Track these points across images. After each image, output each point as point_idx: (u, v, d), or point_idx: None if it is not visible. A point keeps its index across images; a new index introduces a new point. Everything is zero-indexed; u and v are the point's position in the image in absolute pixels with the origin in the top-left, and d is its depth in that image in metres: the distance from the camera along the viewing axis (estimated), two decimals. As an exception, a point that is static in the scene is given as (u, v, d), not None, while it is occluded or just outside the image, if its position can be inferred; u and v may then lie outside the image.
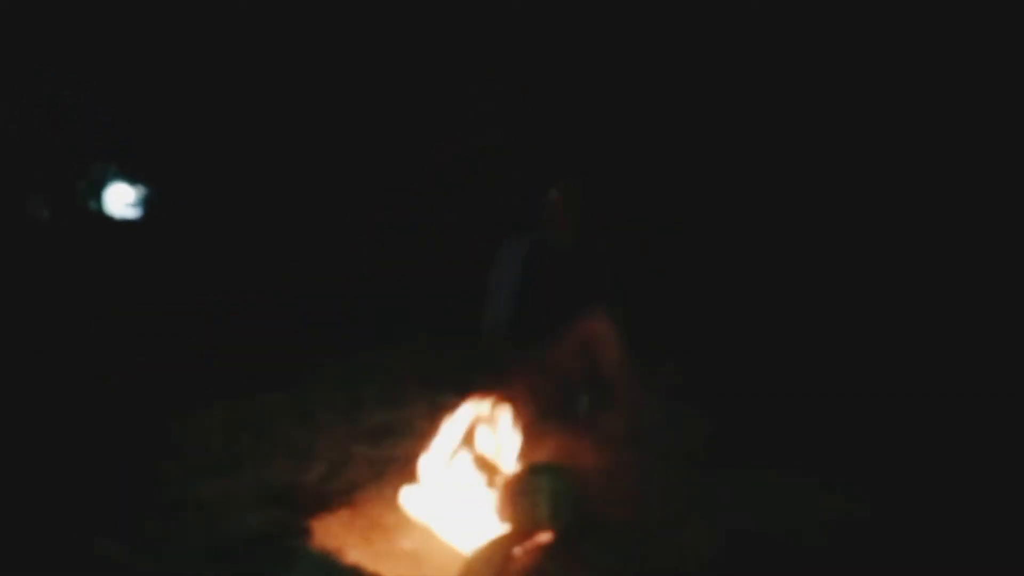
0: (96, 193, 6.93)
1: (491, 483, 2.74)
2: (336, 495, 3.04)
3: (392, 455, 3.37)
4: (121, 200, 6.94)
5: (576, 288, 3.67)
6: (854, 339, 4.10)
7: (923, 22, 4.32)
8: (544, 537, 2.56)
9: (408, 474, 3.21)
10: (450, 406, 3.38)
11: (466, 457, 2.83)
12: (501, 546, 2.55)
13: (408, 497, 2.83)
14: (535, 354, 3.54)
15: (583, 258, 3.74)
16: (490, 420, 2.90)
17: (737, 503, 3.04)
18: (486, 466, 2.81)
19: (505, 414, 2.91)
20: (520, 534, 2.55)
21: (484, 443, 2.91)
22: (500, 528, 2.60)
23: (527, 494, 2.58)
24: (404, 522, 2.84)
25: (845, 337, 4.12)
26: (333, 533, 2.71)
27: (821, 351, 4.04)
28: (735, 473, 3.23)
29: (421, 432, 3.48)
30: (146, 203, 6.92)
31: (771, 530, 2.86)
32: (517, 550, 2.53)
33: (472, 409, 2.89)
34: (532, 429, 3.00)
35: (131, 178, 6.92)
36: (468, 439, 2.87)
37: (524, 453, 2.92)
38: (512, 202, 4.48)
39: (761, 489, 3.13)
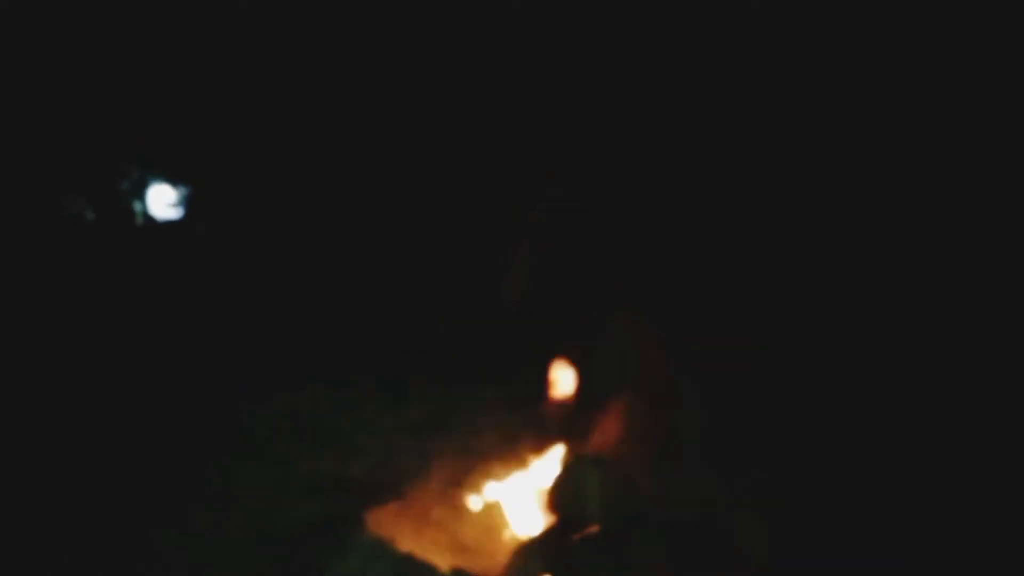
0: (138, 194, 7.02)
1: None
2: (384, 487, 3.06)
3: (438, 448, 3.38)
4: (163, 200, 7.02)
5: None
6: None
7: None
8: (591, 529, 2.57)
9: (455, 467, 3.24)
10: (493, 400, 3.41)
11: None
12: (550, 538, 2.56)
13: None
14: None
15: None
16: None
17: (780, 498, 3.01)
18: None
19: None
20: (569, 526, 2.56)
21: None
22: (549, 521, 2.60)
23: (576, 487, 2.59)
24: (454, 514, 2.85)
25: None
26: (383, 524, 2.73)
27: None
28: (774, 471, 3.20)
29: (465, 425, 3.51)
30: (187, 203, 6.99)
31: (816, 525, 2.83)
32: (566, 543, 2.54)
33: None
34: (576, 419, 3.00)
35: (172, 179, 7.01)
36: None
37: (571, 446, 2.92)
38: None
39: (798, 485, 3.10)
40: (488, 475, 3.07)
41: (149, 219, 6.74)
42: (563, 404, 3.02)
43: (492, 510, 2.85)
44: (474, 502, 2.92)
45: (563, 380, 3.28)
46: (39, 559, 2.55)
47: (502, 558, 2.53)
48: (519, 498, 2.75)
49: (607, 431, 3.15)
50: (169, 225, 6.58)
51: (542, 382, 3.35)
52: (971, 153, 4.10)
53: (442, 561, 2.51)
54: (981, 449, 3.09)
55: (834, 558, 2.66)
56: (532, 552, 2.49)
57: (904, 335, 3.82)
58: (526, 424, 3.18)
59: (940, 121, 4.18)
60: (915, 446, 3.19)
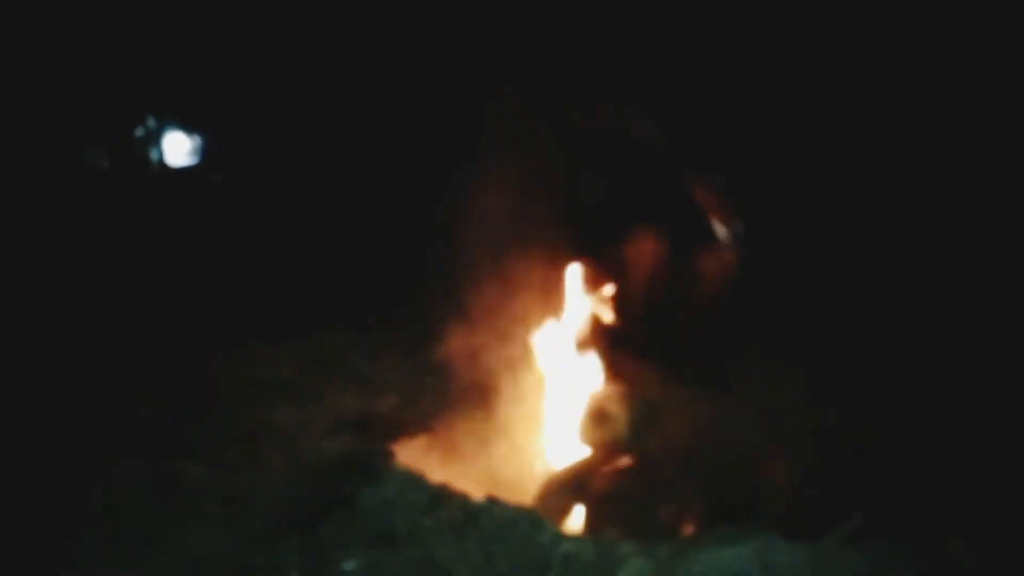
0: (154, 142, 6.98)
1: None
2: (411, 423, 3.07)
3: (460, 386, 3.38)
4: (178, 149, 6.98)
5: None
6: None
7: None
8: (623, 461, 2.56)
9: (478, 403, 3.24)
10: (517, 337, 3.40)
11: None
12: (580, 469, 2.56)
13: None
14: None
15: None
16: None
17: (808, 438, 3.00)
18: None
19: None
20: (600, 457, 2.56)
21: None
22: (581, 450, 2.60)
23: (607, 419, 2.58)
24: (481, 447, 2.86)
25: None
26: (413, 457, 2.74)
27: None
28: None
29: (487, 365, 3.51)
30: (203, 151, 6.95)
31: (843, 462, 2.83)
32: (597, 473, 2.54)
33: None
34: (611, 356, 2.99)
35: (187, 127, 6.96)
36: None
37: (606, 379, 2.91)
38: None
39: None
40: (518, 408, 3.07)
41: (165, 166, 6.72)
42: (592, 336, 2.99)
43: (520, 442, 2.85)
44: (502, 435, 2.93)
45: (594, 314, 3.27)
46: (71, 496, 2.57)
47: (532, 489, 2.53)
48: (548, 430, 2.75)
49: (638, 363, 3.14)
50: (185, 172, 6.56)
51: (570, 317, 3.33)
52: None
53: (473, 490, 2.51)
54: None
55: (858, 500, 2.64)
56: (563, 482, 2.48)
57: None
58: (552, 360, 3.16)
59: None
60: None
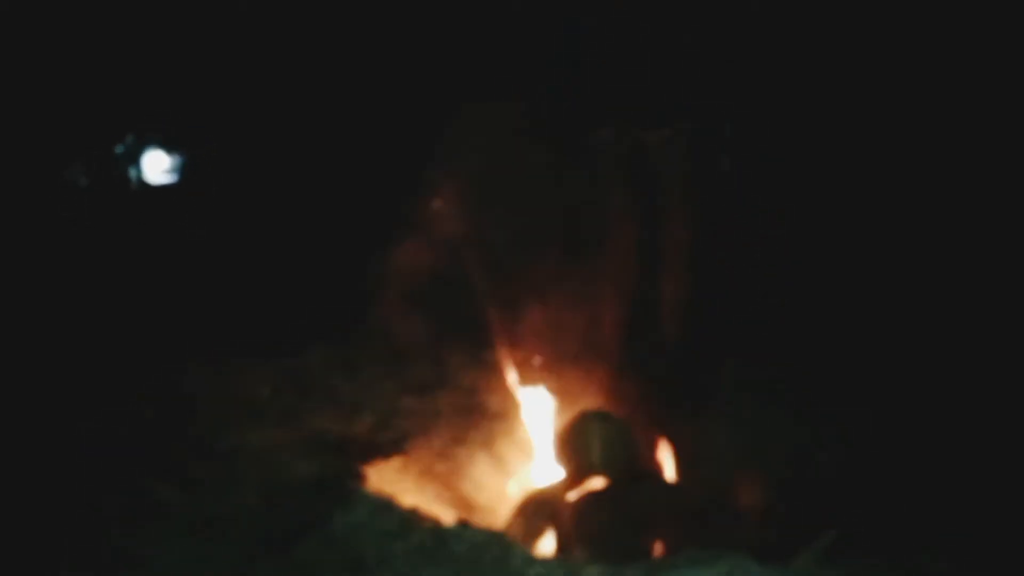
0: (133, 160, 6.96)
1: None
2: (386, 445, 3.07)
3: (438, 407, 3.39)
4: (158, 166, 6.96)
5: None
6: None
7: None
8: (596, 483, 2.58)
9: (454, 425, 3.25)
10: (493, 360, 3.41)
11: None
12: (554, 491, 2.57)
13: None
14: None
15: None
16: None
17: (784, 455, 3.03)
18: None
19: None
20: (573, 479, 2.57)
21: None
22: (553, 473, 2.61)
23: (579, 440, 2.59)
24: (455, 470, 2.87)
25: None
26: (387, 479, 2.75)
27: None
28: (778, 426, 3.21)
29: (465, 385, 3.52)
30: (183, 169, 6.94)
31: (818, 478, 2.85)
32: (569, 496, 2.55)
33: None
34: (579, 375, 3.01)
35: (167, 144, 6.94)
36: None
37: (576, 401, 2.93)
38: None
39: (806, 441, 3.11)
40: (489, 432, 3.08)
41: (144, 184, 6.70)
42: (563, 361, 3.01)
43: (494, 466, 2.86)
44: (475, 458, 2.93)
45: (563, 338, 3.29)
46: (41, 518, 2.55)
47: (505, 512, 2.54)
48: (521, 454, 2.76)
49: (608, 385, 3.17)
50: (164, 190, 6.54)
51: (541, 342, 3.35)
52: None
53: (446, 515, 2.51)
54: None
55: (830, 518, 2.66)
56: (535, 506, 2.49)
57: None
58: (526, 382, 3.18)
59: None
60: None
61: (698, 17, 3.51)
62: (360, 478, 2.70)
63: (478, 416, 3.27)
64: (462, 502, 2.68)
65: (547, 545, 2.47)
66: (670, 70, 3.52)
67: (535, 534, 2.46)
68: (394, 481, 2.75)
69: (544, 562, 2.15)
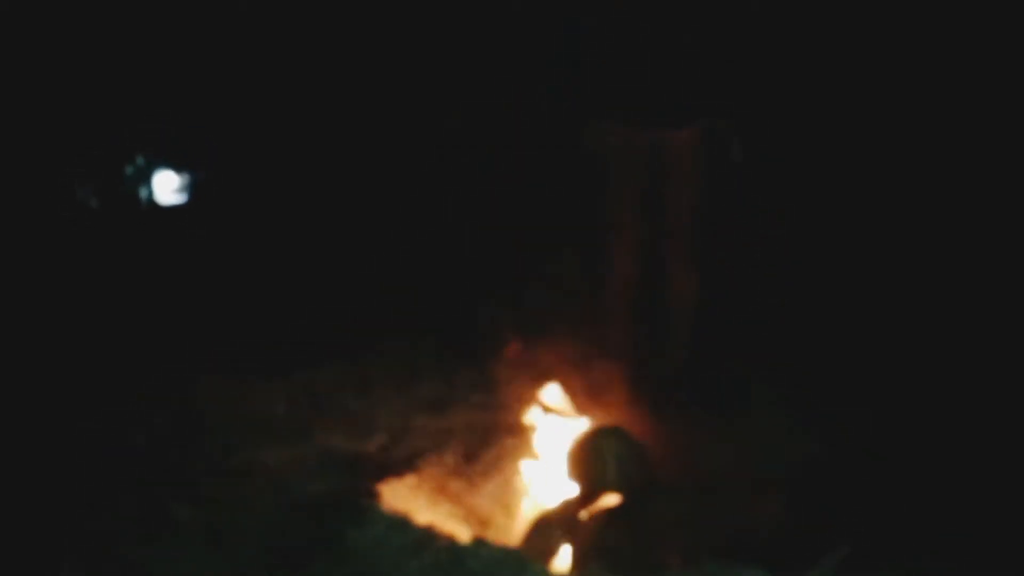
0: (143, 180, 7.00)
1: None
2: (398, 463, 3.07)
3: (449, 425, 3.40)
4: (168, 186, 7.00)
5: None
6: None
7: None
8: (611, 499, 2.57)
9: (466, 443, 3.25)
10: (501, 379, 3.41)
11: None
12: (568, 508, 2.56)
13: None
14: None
15: None
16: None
17: (795, 467, 3.03)
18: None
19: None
20: (587, 496, 2.56)
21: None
22: (568, 489, 2.61)
23: (594, 456, 2.59)
24: (468, 487, 2.87)
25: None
26: (400, 497, 2.74)
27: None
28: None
29: (475, 403, 3.52)
30: (192, 189, 6.97)
31: (832, 492, 2.85)
32: (584, 512, 2.54)
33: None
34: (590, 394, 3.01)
35: (176, 165, 6.98)
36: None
37: (591, 417, 2.93)
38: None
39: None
40: (502, 449, 3.08)
41: (154, 204, 6.73)
42: (576, 381, 3.01)
43: (507, 483, 2.86)
44: (488, 476, 2.93)
45: (576, 357, 3.30)
46: (57, 532, 2.56)
47: (519, 529, 2.54)
48: (535, 470, 2.76)
49: (622, 401, 3.17)
50: (176, 210, 6.57)
51: (553, 359, 3.35)
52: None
53: (460, 532, 2.51)
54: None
55: (843, 531, 2.65)
56: (551, 522, 2.49)
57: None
58: (540, 399, 3.18)
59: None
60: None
61: (698, 17, 3.53)
62: (374, 495, 2.70)
63: (489, 434, 3.27)
64: (476, 519, 2.67)
65: (563, 561, 2.46)
66: (670, 70, 3.53)
67: (550, 551, 2.45)
68: (408, 498, 2.74)
69: (560, 579, 2.15)
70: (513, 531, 2.58)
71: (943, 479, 2.82)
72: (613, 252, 3.66)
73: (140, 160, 6.88)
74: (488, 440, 3.23)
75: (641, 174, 3.58)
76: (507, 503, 2.75)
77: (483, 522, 2.66)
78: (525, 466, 2.82)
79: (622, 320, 3.62)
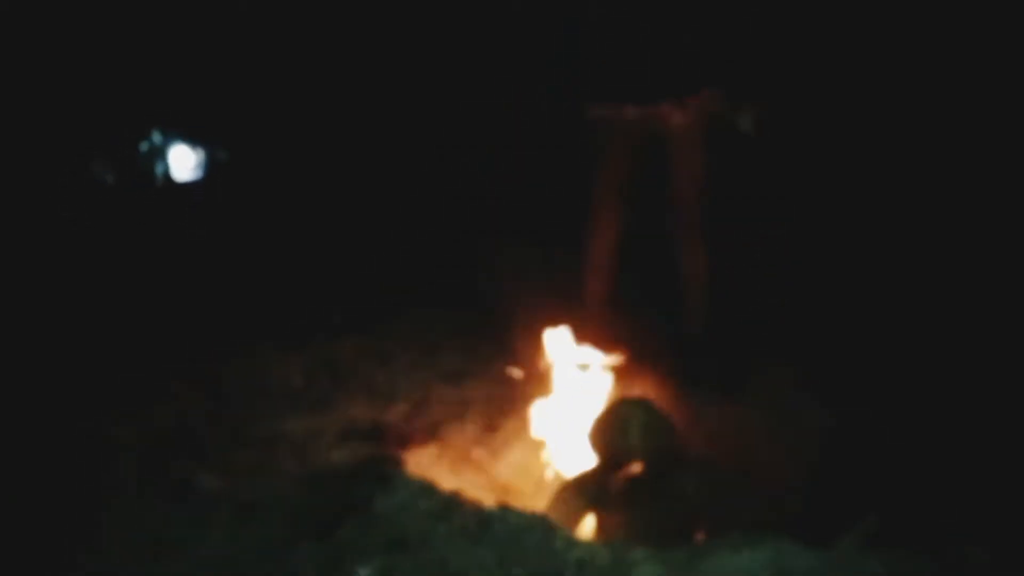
0: (159, 157, 7.01)
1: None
2: (421, 432, 3.08)
3: (471, 396, 3.41)
4: (183, 163, 7.01)
5: None
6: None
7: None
8: (635, 468, 2.57)
9: (487, 414, 3.25)
10: (522, 349, 3.41)
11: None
12: (591, 477, 2.56)
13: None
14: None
15: None
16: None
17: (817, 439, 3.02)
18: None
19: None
20: (612, 466, 2.56)
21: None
22: (591, 460, 2.61)
23: (618, 425, 2.58)
24: (492, 456, 2.87)
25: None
26: (423, 465, 2.75)
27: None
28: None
29: (496, 375, 3.53)
30: (208, 165, 6.99)
31: (855, 464, 2.84)
32: (608, 482, 2.54)
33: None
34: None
35: (192, 141, 6.99)
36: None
37: (611, 386, 2.93)
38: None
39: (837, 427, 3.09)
40: (522, 420, 3.07)
41: (170, 181, 6.74)
42: (600, 347, 3.01)
43: (531, 451, 2.86)
44: (511, 445, 2.93)
45: (600, 326, 3.29)
46: (83, 505, 2.57)
47: (543, 497, 2.54)
48: (559, 439, 2.75)
49: (647, 370, 3.16)
50: (190, 187, 6.58)
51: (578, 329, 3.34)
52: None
53: (485, 499, 2.51)
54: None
55: (872, 502, 2.64)
56: (575, 491, 2.49)
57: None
58: (562, 368, 3.17)
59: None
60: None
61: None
62: (398, 463, 2.71)
63: (508, 405, 3.28)
64: (500, 487, 2.68)
65: (587, 530, 2.46)
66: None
67: (574, 519, 2.45)
68: (430, 467, 2.75)
69: (587, 545, 2.14)
70: (536, 500, 2.57)
71: (972, 452, 2.81)
72: (594, 229, 3.66)
73: (156, 137, 6.88)
74: (507, 411, 3.24)
75: (632, 147, 3.53)
76: (530, 472, 2.75)
77: (506, 490, 2.66)
78: (547, 436, 2.80)
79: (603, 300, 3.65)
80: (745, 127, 3.47)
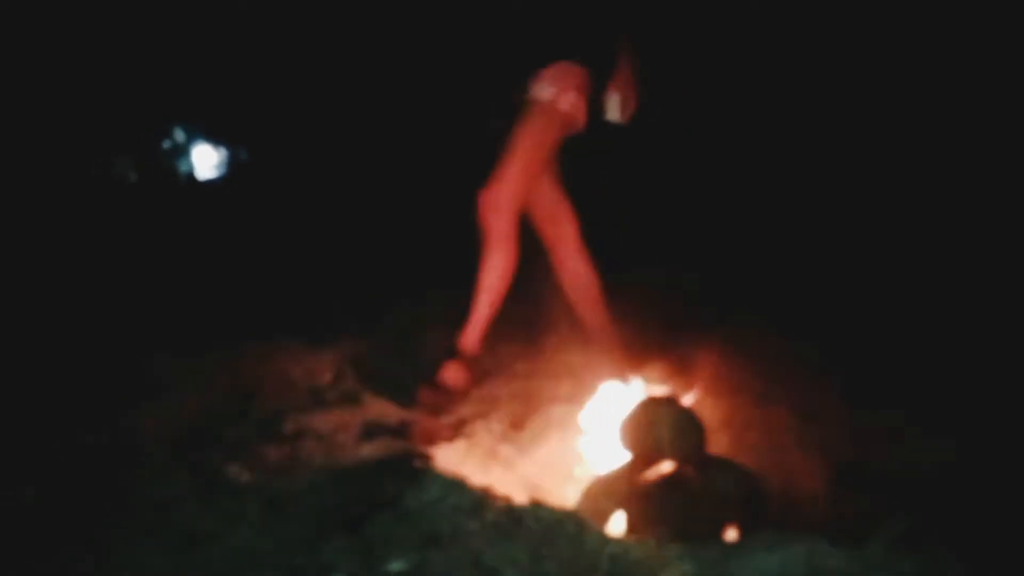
0: (181, 155, 7.06)
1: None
2: (447, 429, 3.08)
3: (495, 393, 3.41)
4: (205, 161, 7.05)
5: None
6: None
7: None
8: (666, 466, 2.55)
9: (512, 412, 3.25)
10: (547, 347, 3.41)
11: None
12: (622, 475, 2.55)
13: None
14: None
15: None
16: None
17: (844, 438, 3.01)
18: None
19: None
20: (641, 464, 2.55)
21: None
22: (622, 456, 2.60)
23: (647, 425, 2.57)
24: (519, 453, 2.86)
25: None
26: (452, 462, 2.75)
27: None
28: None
29: (520, 372, 3.53)
30: (229, 163, 7.03)
31: (884, 464, 2.82)
32: (638, 480, 2.53)
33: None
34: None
35: (214, 139, 7.03)
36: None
37: (640, 385, 2.92)
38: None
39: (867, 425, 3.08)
40: (550, 417, 3.07)
41: (192, 179, 6.79)
42: (628, 346, 3.00)
43: (558, 449, 2.85)
44: (538, 442, 2.93)
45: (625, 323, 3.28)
46: (115, 498, 2.59)
47: (571, 495, 2.53)
48: (588, 437, 2.75)
49: (677, 369, 3.15)
50: (212, 184, 6.61)
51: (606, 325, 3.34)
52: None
53: (515, 496, 2.50)
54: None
55: (903, 502, 2.62)
56: (605, 489, 2.48)
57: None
58: (591, 367, 3.17)
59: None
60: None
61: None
62: (427, 459, 2.71)
63: (535, 402, 3.28)
64: (528, 484, 2.67)
65: (618, 527, 2.45)
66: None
67: (604, 517, 2.44)
68: (459, 463, 2.75)
69: (619, 542, 2.13)
70: (566, 497, 2.56)
71: (1003, 452, 2.78)
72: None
73: (179, 135, 6.93)
74: (534, 408, 3.24)
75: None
76: (560, 470, 2.74)
77: (535, 487, 2.65)
78: (575, 433, 2.80)
79: None
80: (613, 116, 3.32)
